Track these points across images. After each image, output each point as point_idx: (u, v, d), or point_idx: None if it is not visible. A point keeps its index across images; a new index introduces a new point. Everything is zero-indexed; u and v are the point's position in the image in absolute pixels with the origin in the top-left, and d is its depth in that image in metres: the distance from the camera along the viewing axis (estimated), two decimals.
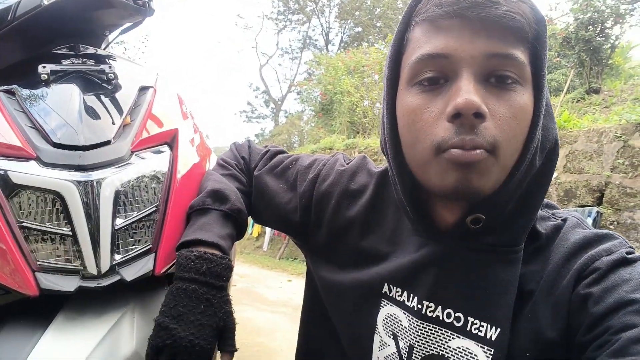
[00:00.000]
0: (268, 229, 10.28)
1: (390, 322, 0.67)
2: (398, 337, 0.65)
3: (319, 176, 0.83)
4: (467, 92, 0.52)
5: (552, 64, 10.03)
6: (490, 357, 0.57)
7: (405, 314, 0.65)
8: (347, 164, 0.84)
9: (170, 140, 0.92)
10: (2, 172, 0.74)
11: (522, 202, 0.59)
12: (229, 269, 0.74)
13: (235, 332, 0.74)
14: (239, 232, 0.84)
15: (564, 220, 0.64)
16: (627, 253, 0.56)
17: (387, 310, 0.67)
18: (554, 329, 0.55)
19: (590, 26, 7.82)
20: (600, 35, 7.90)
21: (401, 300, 0.66)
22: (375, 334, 0.69)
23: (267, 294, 5.08)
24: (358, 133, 10.89)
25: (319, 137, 12.27)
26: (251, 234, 11.27)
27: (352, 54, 12.60)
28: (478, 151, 0.52)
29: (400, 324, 0.65)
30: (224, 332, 0.71)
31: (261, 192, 0.89)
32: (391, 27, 22.05)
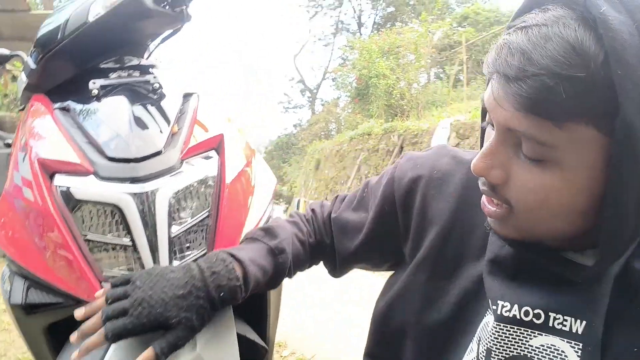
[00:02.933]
0: None
1: (483, 328, 0.62)
2: (481, 342, 0.61)
3: (394, 178, 0.78)
4: (480, 154, 0.56)
5: None
6: (580, 351, 0.54)
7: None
8: (425, 153, 0.79)
9: (217, 145, 0.94)
10: (65, 188, 0.79)
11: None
12: (234, 291, 0.70)
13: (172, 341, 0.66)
14: (277, 272, 0.79)
15: None
16: None
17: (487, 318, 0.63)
18: None
19: None
20: None
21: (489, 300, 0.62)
22: (470, 342, 0.64)
23: (312, 292, 5.09)
24: (396, 116, 10.76)
25: (357, 122, 12.20)
26: None
27: (386, 35, 12.38)
28: (496, 208, 0.56)
29: (488, 327, 0.61)
30: (169, 331, 0.65)
31: (343, 230, 0.84)
32: (425, 5, 21.47)
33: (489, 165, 0.53)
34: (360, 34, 25.14)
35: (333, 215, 0.87)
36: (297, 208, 11.26)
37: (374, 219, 0.79)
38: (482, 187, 0.56)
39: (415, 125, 8.33)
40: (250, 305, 1.04)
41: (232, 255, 0.72)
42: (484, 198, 0.57)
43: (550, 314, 0.56)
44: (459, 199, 0.70)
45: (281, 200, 22.05)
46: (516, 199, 0.53)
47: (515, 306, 0.58)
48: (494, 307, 0.59)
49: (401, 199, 0.76)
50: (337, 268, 0.88)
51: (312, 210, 0.91)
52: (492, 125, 0.54)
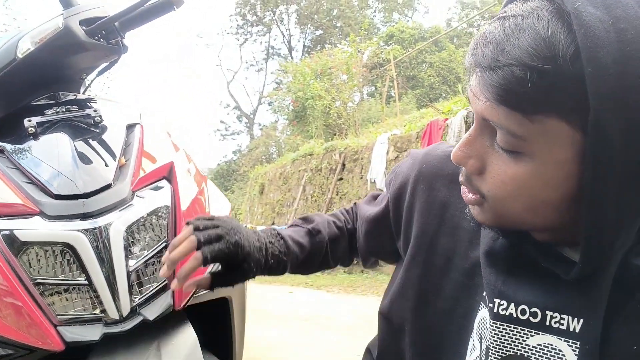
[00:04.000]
0: None
1: (481, 324, 0.61)
2: (483, 339, 0.60)
3: (393, 176, 0.80)
4: (460, 143, 0.56)
5: None
6: (577, 350, 0.53)
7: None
8: (423, 149, 0.80)
9: (167, 174, 0.93)
10: (7, 232, 0.74)
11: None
12: (279, 261, 0.75)
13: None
14: (314, 250, 0.82)
15: None
16: None
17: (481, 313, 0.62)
18: None
19: None
20: None
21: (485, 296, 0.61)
22: (470, 339, 0.63)
23: (272, 309, 5.05)
24: (335, 135, 10.94)
25: (297, 144, 12.29)
26: None
27: (317, 58, 12.67)
28: (472, 196, 0.58)
29: (486, 324, 0.60)
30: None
31: (360, 220, 0.86)
32: (351, 26, 22.25)
33: (467, 154, 0.53)
34: (292, 58, 25.55)
35: (358, 204, 0.91)
36: None
37: (377, 213, 0.81)
38: (460, 177, 0.57)
39: (354, 142, 8.53)
40: (215, 335, 1.02)
41: (278, 233, 0.78)
42: (462, 186, 0.58)
43: (547, 312, 0.55)
44: (446, 193, 0.70)
45: None
46: (487, 189, 0.53)
47: (512, 304, 0.57)
48: (491, 305, 0.58)
49: (394, 195, 0.77)
50: (362, 258, 0.90)
51: (355, 203, 0.94)
52: None
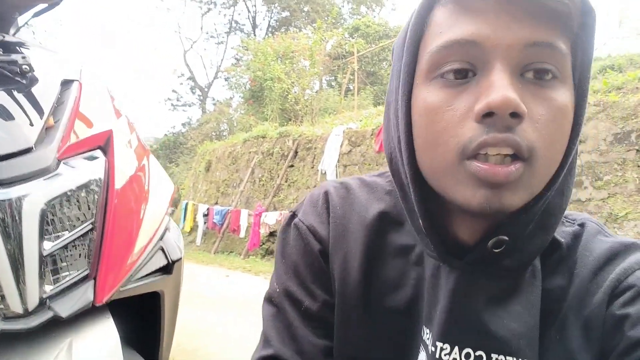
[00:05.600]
0: (201, 221, 9.97)
1: None
2: None
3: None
4: (502, 86, 0.44)
5: None
6: None
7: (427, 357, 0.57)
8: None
9: (103, 143, 0.80)
10: None
11: (541, 219, 0.52)
12: None
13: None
14: None
15: (582, 225, 0.58)
16: None
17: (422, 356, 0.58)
18: (588, 352, 0.51)
19: None
20: None
21: (425, 339, 0.57)
22: None
23: (205, 292, 4.89)
24: (290, 120, 10.78)
25: (250, 124, 12.02)
26: (182, 228, 10.87)
27: (281, 39, 12.40)
28: (512, 168, 0.45)
29: None
30: None
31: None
32: (319, 12, 22.01)
33: (517, 97, 0.44)
34: (255, 36, 24.92)
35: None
36: (185, 211, 10.73)
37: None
38: (490, 134, 0.45)
39: (309, 130, 8.43)
40: (142, 330, 0.91)
41: None
42: (489, 167, 0.46)
43: (492, 355, 0.52)
44: (365, 237, 0.63)
45: None
46: (536, 134, 0.46)
47: (456, 348, 0.53)
48: (433, 349, 0.54)
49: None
50: None
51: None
52: (456, 73, 0.47)
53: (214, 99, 27.17)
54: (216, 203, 10.36)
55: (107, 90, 0.97)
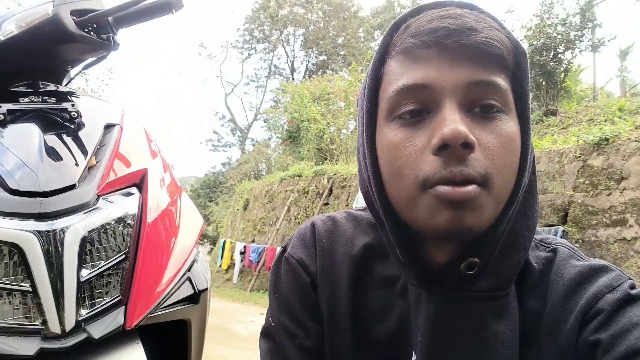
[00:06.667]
0: (238, 259, 10.08)
1: None
2: None
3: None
4: (452, 121, 0.49)
5: None
6: None
7: None
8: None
9: (139, 181, 0.87)
10: None
11: (510, 239, 0.55)
12: None
13: None
14: None
15: (554, 250, 0.60)
16: (630, 287, 0.53)
17: None
18: None
19: (544, 51, 8.24)
20: (554, 60, 8.32)
21: None
22: None
23: (239, 330, 4.91)
24: (326, 159, 10.93)
25: (287, 164, 12.25)
26: (220, 266, 11.01)
27: (317, 82, 12.76)
28: (470, 188, 0.49)
29: None
30: None
31: None
32: (355, 56, 22.56)
33: (467, 129, 0.49)
34: (293, 79, 25.75)
35: None
36: (222, 249, 10.89)
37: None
38: (447, 169, 0.49)
39: (344, 169, 8.51)
40: (169, 358, 0.95)
41: None
42: (449, 189, 0.49)
43: None
44: (348, 274, 0.66)
45: (206, 240, 21.24)
46: (488, 161, 0.50)
47: None
48: None
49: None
50: None
51: None
52: (411, 113, 0.53)
53: (253, 140, 27.93)
54: (253, 241, 10.47)
55: (145, 133, 1.06)
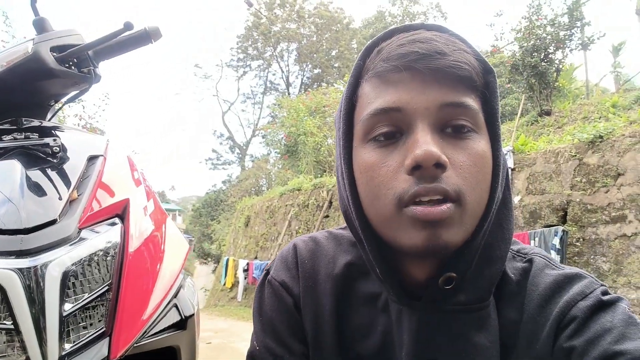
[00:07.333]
0: (241, 277, 10.04)
1: None
2: None
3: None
4: (425, 142, 0.51)
5: (503, 89, 10.52)
6: None
7: None
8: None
9: (121, 211, 0.88)
10: None
11: (486, 252, 0.57)
12: None
13: None
14: None
15: (530, 261, 0.62)
16: (602, 293, 0.54)
17: None
18: None
19: (535, 52, 8.31)
20: (545, 61, 8.38)
21: None
22: None
23: (245, 349, 4.87)
24: (324, 171, 10.96)
25: (287, 178, 12.28)
26: (224, 284, 10.97)
27: (312, 95, 12.85)
28: (444, 207, 0.50)
29: None
30: None
31: None
32: (349, 67, 22.72)
33: (439, 150, 0.51)
34: (289, 93, 25.91)
35: None
36: (226, 267, 10.86)
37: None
38: (423, 187, 0.51)
39: None
40: None
41: None
42: (424, 209, 0.51)
43: None
44: (333, 289, 0.67)
45: (210, 259, 21.18)
46: (460, 178, 0.52)
47: None
48: None
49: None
50: None
51: None
52: (385, 135, 0.55)
53: (252, 156, 28.06)
54: (256, 257, 10.45)
55: (129, 162, 1.08)
